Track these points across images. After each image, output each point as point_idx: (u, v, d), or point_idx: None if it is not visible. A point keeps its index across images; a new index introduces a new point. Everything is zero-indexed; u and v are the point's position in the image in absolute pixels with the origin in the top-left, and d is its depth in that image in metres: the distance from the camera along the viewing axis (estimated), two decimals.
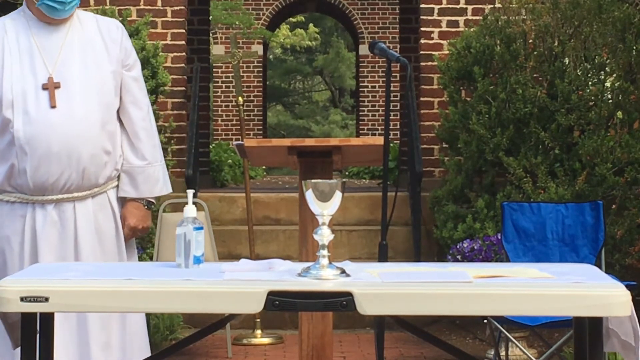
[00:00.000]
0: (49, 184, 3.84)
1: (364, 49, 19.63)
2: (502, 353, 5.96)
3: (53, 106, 3.82)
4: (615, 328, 2.81)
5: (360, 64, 20.26)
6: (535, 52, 7.38)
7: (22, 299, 2.57)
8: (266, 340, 7.29)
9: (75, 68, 3.91)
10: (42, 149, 3.80)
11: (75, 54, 3.93)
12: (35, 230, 3.84)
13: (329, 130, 27.53)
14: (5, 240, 3.87)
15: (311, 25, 24.28)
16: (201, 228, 2.89)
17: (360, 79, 20.22)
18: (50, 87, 3.84)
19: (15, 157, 3.81)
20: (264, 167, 16.73)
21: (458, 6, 8.44)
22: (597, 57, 7.33)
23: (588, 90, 7.19)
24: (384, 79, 7.43)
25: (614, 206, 7.01)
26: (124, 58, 4.03)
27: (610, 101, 7.24)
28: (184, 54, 8.57)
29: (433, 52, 8.39)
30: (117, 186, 4.02)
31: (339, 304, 2.53)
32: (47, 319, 2.81)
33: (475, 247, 6.88)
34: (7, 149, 3.83)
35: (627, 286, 2.59)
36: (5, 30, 3.92)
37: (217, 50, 18.66)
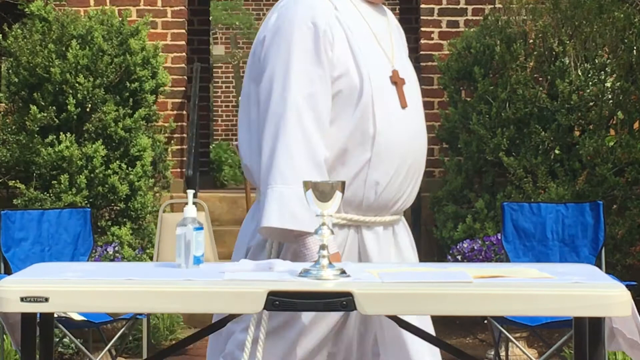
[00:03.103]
0: (392, 202, 3.14)
1: None
2: (502, 353, 5.96)
3: (404, 106, 3.15)
4: (619, 327, 2.81)
5: None
6: (535, 52, 7.38)
7: (22, 299, 2.56)
8: None
9: (406, 61, 3.27)
10: (399, 158, 3.11)
11: (400, 44, 3.32)
12: (368, 257, 3.12)
13: None
14: None
15: None
16: (201, 228, 2.89)
17: None
18: (399, 82, 3.17)
19: (366, 166, 3.08)
20: None
21: (458, 6, 8.44)
22: (597, 57, 7.32)
23: (588, 91, 7.19)
24: None
25: (614, 206, 7.01)
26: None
27: (611, 101, 7.24)
28: (184, 54, 8.57)
29: (433, 52, 8.39)
30: None
31: (339, 304, 2.53)
32: (47, 319, 2.81)
33: (475, 247, 6.88)
34: (358, 154, 3.08)
35: (627, 286, 2.59)
36: (335, 7, 3.15)
37: (217, 50, 18.65)
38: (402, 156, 3.10)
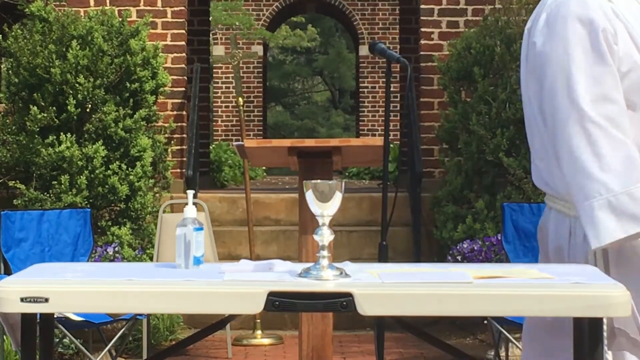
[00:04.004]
0: None
1: (364, 50, 19.64)
2: (502, 353, 5.96)
3: None
4: (622, 327, 2.80)
5: (361, 65, 20.26)
6: None
7: (22, 300, 2.56)
8: (266, 341, 7.29)
9: None
10: None
11: None
12: None
13: (331, 133, 27.53)
14: None
15: (310, 25, 24.29)
16: (201, 229, 2.89)
17: (360, 80, 20.22)
18: None
19: None
20: (264, 167, 16.74)
21: (458, 7, 8.44)
22: None
23: None
24: (384, 80, 7.43)
25: None
26: None
27: None
28: (184, 54, 8.57)
29: (433, 53, 8.38)
30: None
31: (339, 305, 2.53)
32: (47, 320, 2.81)
33: (475, 248, 6.88)
34: None
35: None
36: None
37: (217, 50, 18.65)
38: None
